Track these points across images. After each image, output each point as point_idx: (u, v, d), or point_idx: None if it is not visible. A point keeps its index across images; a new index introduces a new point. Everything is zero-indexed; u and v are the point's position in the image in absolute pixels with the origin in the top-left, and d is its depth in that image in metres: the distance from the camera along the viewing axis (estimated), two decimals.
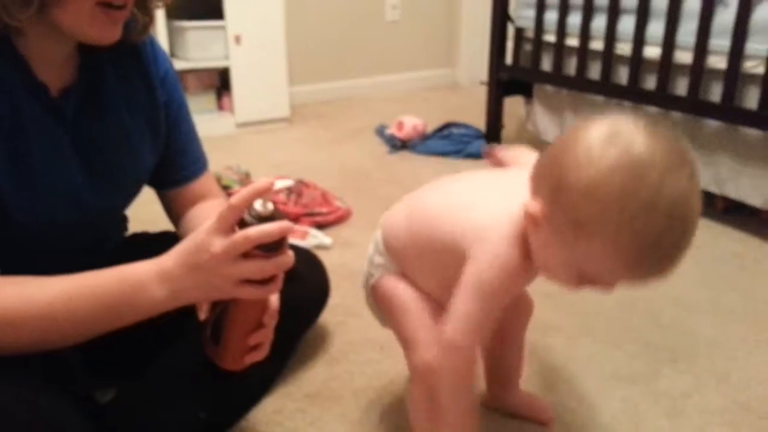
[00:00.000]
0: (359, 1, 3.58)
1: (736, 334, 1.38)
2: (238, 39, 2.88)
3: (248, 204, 0.74)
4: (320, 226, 1.89)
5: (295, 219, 1.89)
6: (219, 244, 0.73)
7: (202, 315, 0.88)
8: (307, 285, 1.20)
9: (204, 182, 1.10)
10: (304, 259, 1.27)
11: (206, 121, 2.91)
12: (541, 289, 1.52)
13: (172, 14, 2.78)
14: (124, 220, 1.14)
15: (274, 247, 0.74)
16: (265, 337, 0.88)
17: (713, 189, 1.92)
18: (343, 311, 1.44)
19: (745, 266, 1.69)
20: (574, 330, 1.39)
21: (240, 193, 0.74)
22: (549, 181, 0.67)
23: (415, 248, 0.89)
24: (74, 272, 0.77)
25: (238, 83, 2.92)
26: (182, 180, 1.08)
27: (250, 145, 2.78)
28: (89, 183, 0.90)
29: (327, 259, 1.64)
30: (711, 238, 1.85)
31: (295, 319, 1.18)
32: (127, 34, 0.89)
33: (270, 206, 0.74)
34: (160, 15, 2.70)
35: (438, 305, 0.89)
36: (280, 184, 0.74)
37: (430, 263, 0.88)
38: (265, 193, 0.74)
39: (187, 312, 0.86)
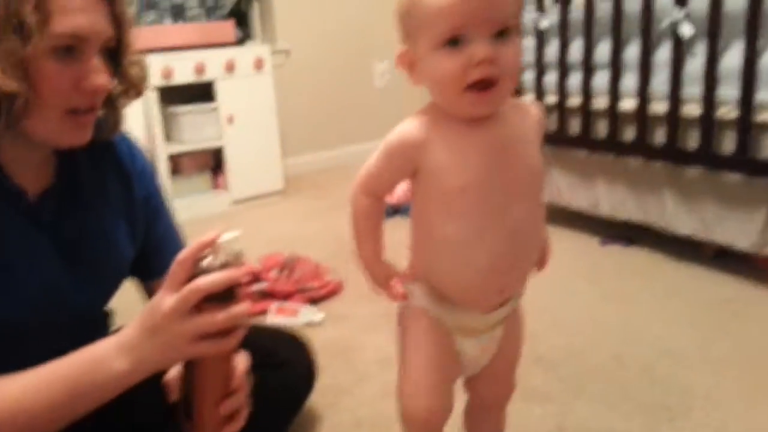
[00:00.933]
0: (348, 70, 3.69)
1: (731, 385, 1.36)
2: (230, 119, 2.96)
3: (195, 257, 0.74)
4: (312, 301, 1.90)
5: (287, 296, 1.91)
6: (169, 301, 0.73)
7: (173, 396, 0.87)
8: (292, 370, 1.19)
9: None
10: (288, 343, 1.27)
11: (202, 201, 2.98)
12: (529, 355, 1.52)
13: (166, 100, 2.87)
14: (108, 316, 1.16)
15: (225, 297, 0.73)
16: (238, 405, 0.86)
17: (701, 235, 1.92)
18: (334, 392, 1.43)
19: (738, 312, 1.67)
20: (566, 395, 1.37)
21: (187, 248, 0.75)
22: (399, 29, 0.80)
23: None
24: None
25: (232, 162, 2.99)
26: (164, 271, 1.10)
27: (245, 221, 2.82)
28: (71, 282, 0.92)
29: (318, 335, 1.65)
30: (701, 285, 1.84)
31: (281, 407, 1.18)
32: (99, 133, 0.91)
33: (223, 257, 0.74)
34: (153, 102, 2.79)
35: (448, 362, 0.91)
36: (228, 236, 0.74)
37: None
38: (211, 245, 0.74)
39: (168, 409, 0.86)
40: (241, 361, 0.88)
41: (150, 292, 1.11)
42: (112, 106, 0.92)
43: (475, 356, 0.92)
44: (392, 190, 0.89)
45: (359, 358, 1.57)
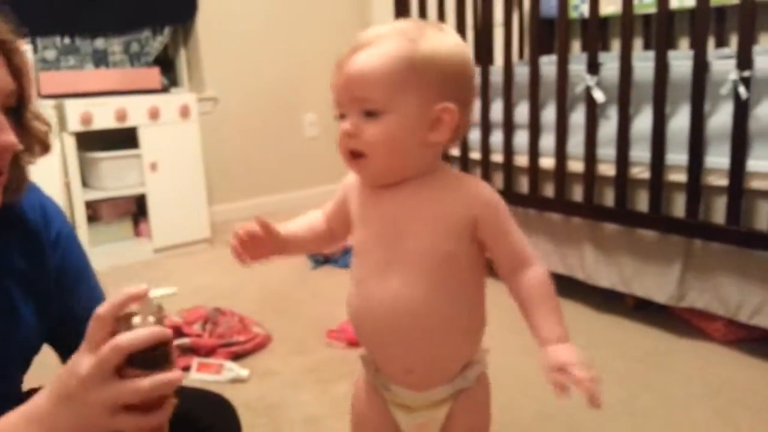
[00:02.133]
0: (277, 120, 3.68)
1: None
2: (154, 166, 2.89)
3: (116, 315, 0.65)
4: (238, 356, 1.84)
5: (211, 351, 1.84)
6: (86, 363, 0.63)
7: None
8: None
9: None
10: (213, 406, 1.21)
11: (123, 249, 2.86)
12: None
13: (84, 146, 2.77)
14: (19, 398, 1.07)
15: (154, 361, 0.64)
16: None
17: (620, 288, 2.00)
18: None
19: (659, 364, 1.73)
20: None
21: (107, 302, 0.65)
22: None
23: None
24: None
25: (155, 209, 2.90)
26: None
27: (169, 270, 2.72)
28: None
29: (243, 393, 1.60)
30: (624, 336, 1.90)
31: None
32: (3, 194, 0.85)
33: (151, 314, 0.65)
34: (70, 147, 2.69)
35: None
36: (159, 292, 0.68)
37: None
38: (137, 299, 0.65)
39: None
40: None
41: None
42: (15, 164, 0.84)
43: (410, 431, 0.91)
44: (336, 223, 0.93)
45: (285, 417, 1.52)
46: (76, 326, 1.00)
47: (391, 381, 0.88)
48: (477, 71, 2.27)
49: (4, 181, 0.80)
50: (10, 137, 0.76)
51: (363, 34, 0.80)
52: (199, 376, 1.71)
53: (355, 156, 0.80)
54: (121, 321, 0.65)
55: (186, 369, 1.76)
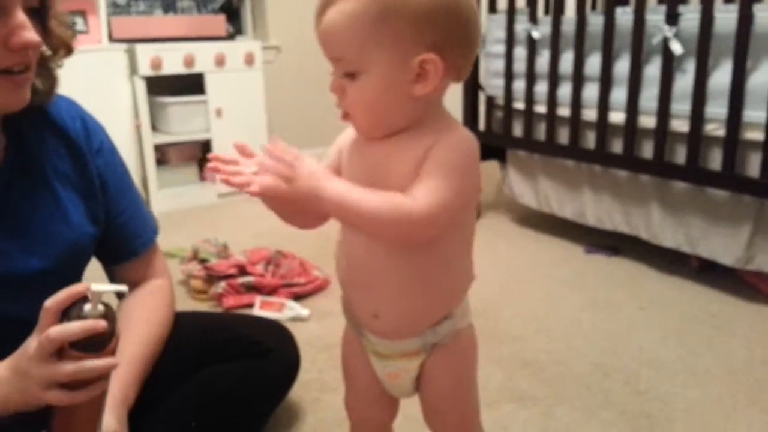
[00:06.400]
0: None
1: (713, 397, 1.38)
2: (219, 112, 2.95)
3: (61, 307, 0.74)
4: (298, 297, 1.89)
5: (273, 290, 1.90)
6: (33, 345, 0.74)
7: None
8: (274, 359, 1.18)
9: (147, 260, 1.10)
10: (273, 333, 1.26)
11: (188, 193, 2.95)
12: (516, 359, 1.53)
13: (154, 90, 2.85)
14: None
15: (89, 347, 0.73)
16: None
17: (686, 249, 1.95)
18: (318, 387, 1.43)
19: (721, 326, 1.70)
20: (550, 399, 1.38)
21: (55, 296, 0.75)
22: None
23: None
24: None
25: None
26: (125, 256, 1.08)
27: (232, 215, 2.80)
28: (24, 260, 0.91)
29: (304, 331, 1.65)
30: (686, 298, 1.86)
31: (263, 396, 1.17)
32: (35, 97, 0.90)
33: (100, 307, 0.73)
34: (141, 91, 2.76)
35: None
36: (100, 288, 0.72)
37: None
38: (79, 296, 0.74)
39: None
40: (111, 423, 0.87)
41: (111, 277, 1.10)
42: (45, 68, 0.91)
43: (384, 380, 0.91)
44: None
45: None
46: (113, 236, 1.04)
47: (361, 325, 0.88)
48: (543, 18, 2.23)
49: (30, 78, 0.85)
50: (32, 35, 0.80)
51: None
52: (262, 313, 1.77)
53: (345, 115, 0.79)
54: (74, 307, 0.74)
55: (249, 306, 1.83)
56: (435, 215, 0.74)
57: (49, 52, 0.90)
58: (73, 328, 0.72)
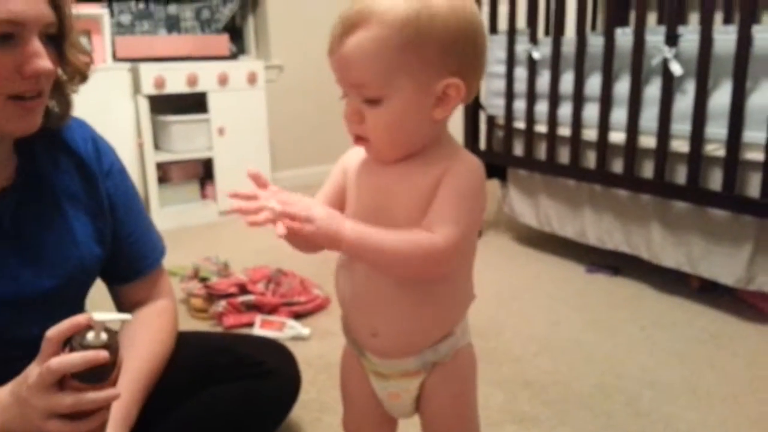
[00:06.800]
0: (339, 88, 3.70)
1: (715, 419, 1.37)
2: (221, 131, 2.96)
3: (64, 337, 0.74)
4: (298, 316, 1.89)
5: (273, 309, 1.89)
6: (34, 374, 0.73)
7: None
8: (276, 379, 1.17)
9: (152, 280, 1.10)
10: (272, 351, 1.26)
11: (189, 211, 2.96)
12: (517, 379, 1.53)
13: (157, 109, 2.87)
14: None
15: (90, 378, 0.73)
16: None
17: (686, 268, 1.95)
18: (318, 407, 1.42)
19: (723, 346, 1.69)
20: (551, 421, 1.37)
21: (58, 325, 0.74)
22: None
23: None
24: None
25: (221, 173, 2.99)
26: (131, 276, 1.08)
27: (233, 233, 2.80)
28: (32, 280, 0.91)
29: (304, 350, 1.64)
30: (687, 318, 1.86)
31: (263, 417, 1.16)
32: (49, 121, 0.92)
33: (103, 336, 0.73)
34: (144, 109, 2.78)
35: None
36: (103, 317, 0.73)
37: None
38: (82, 327, 0.74)
39: None
40: None
41: (115, 299, 1.11)
42: (60, 92, 0.93)
43: (384, 400, 0.91)
44: (337, 203, 0.87)
45: None
46: (120, 256, 1.04)
47: (361, 344, 0.88)
48: (543, 39, 2.25)
49: (43, 104, 0.86)
50: (46, 63, 0.81)
51: (351, 10, 0.73)
52: (262, 332, 1.76)
53: (359, 139, 0.79)
54: (77, 336, 0.74)
55: (250, 325, 1.82)
56: (456, 247, 0.75)
57: (65, 77, 0.92)
58: (75, 359, 0.71)
